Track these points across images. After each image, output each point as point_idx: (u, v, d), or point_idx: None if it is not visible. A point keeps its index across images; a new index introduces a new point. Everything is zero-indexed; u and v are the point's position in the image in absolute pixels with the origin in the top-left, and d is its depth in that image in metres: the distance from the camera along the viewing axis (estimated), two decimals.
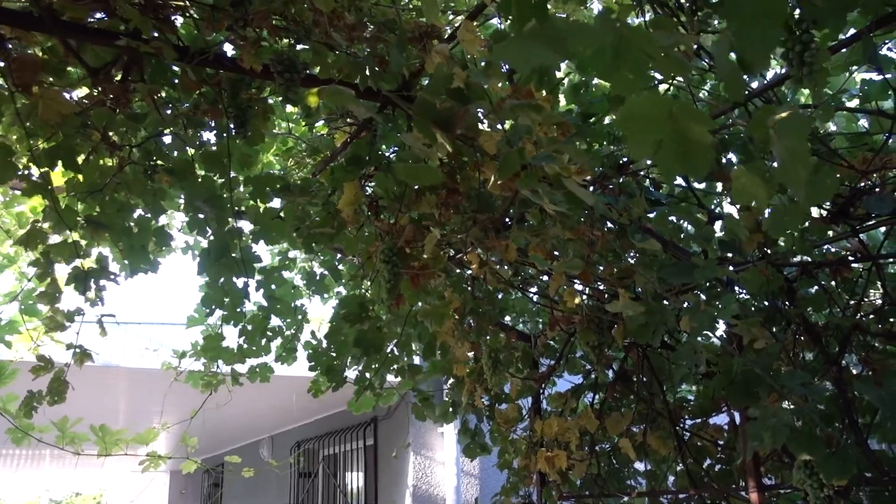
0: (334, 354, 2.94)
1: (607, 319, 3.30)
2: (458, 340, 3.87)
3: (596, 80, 2.83)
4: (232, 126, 2.52)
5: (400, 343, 3.52)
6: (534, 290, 4.20)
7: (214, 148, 2.65)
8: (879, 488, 2.65)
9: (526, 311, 4.51)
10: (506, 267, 3.88)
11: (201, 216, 2.65)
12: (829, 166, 1.62)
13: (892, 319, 2.90)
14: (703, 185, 3.24)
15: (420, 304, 3.37)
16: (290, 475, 9.11)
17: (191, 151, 2.68)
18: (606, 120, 2.82)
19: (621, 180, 2.84)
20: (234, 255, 2.65)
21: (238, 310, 2.68)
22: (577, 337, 3.22)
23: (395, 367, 3.64)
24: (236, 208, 2.78)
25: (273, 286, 2.78)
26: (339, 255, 3.64)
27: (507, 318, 4.69)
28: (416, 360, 4.83)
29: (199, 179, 2.66)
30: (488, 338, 3.45)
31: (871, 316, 2.94)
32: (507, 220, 3.14)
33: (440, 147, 2.38)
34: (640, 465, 4.64)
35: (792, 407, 2.54)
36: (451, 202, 2.86)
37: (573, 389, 3.99)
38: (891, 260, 3.18)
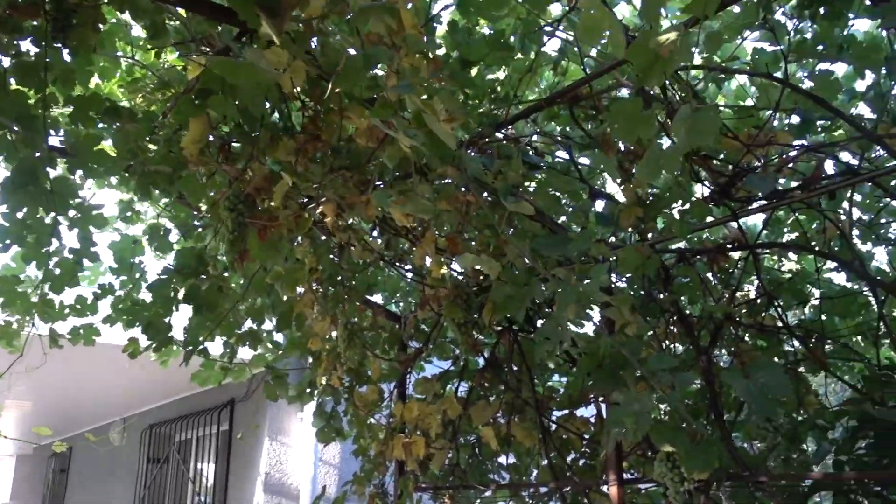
0: (161, 311, 2.56)
1: (477, 301, 3.08)
2: (317, 313, 3.56)
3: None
4: (52, 32, 2.11)
5: (249, 311, 3.17)
6: (408, 267, 3.93)
7: (32, 58, 2.24)
8: (739, 485, 2.54)
9: (398, 290, 4.24)
10: (377, 239, 3.59)
11: (10, 137, 2.23)
12: (712, 108, 1.44)
13: (763, 313, 2.82)
14: (587, 161, 3.07)
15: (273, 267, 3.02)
16: (140, 460, 8.46)
17: (5, 63, 2.25)
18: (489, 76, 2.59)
19: (500, 142, 2.62)
20: (44, 185, 2.24)
21: (44, 250, 2.25)
22: (444, 313, 2.97)
23: (245, 337, 3.28)
24: (53, 132, 2.36)
25: (91, 227, 2.37)
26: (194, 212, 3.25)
27: (379, 298, 4.40)
28: (279, 337, 4.49)
29: (9, 94, 2.24)
30: (345, 307, 3.16)
31: (744, 308, 2.85)
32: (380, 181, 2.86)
33: (295, 72, 2.07)
34: (505, 459, 4.46)
35: (658, 394, 2.38)
36: (310, 149, 2.54)
37: (440, 375, 3.75)
38: (767, 251, 3.12)
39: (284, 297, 3.44)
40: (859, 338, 2.92)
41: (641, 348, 2.55)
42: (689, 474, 2.51)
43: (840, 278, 3.07)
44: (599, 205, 3.03)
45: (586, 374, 2.53)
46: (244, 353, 3.89)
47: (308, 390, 3.87)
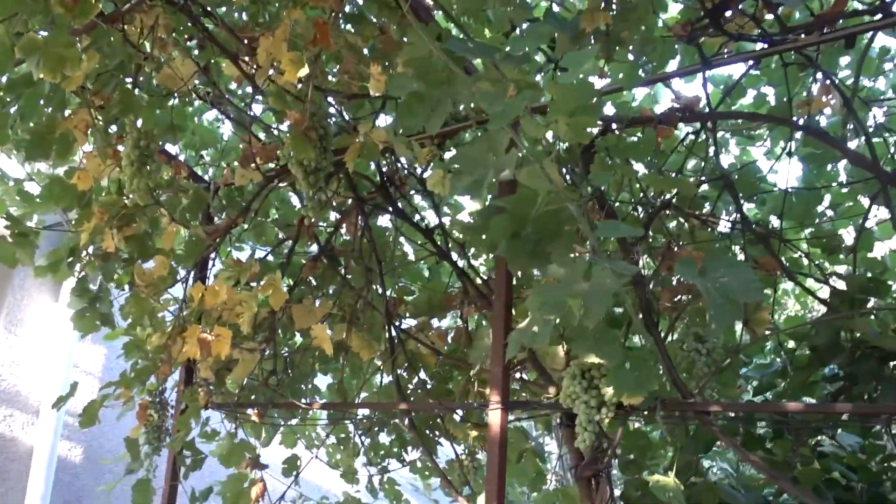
0: None
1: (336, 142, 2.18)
2: (93, 146, 2.46)
3: None
4: None
5: None
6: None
7: None
8: (676, 415, 1.90)
9: (211, 143, 3.20)
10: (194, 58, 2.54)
11: None
12: None
13: (707, 203, 2.20)
14: None
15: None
16: None
17: None
18: None
19: None
20: None
21: None
22: (288, 149, 2.04)
23: None
24: None
25: None
26: None
27: (182, 157, 3.33)
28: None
29: None
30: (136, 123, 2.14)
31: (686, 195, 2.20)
32: None
33: None
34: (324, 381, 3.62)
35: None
36: None
37: (259, 260, 2.82)
38: (730, 121, 2.50)
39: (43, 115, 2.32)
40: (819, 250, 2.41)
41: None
42: (614, 398, 1.83)
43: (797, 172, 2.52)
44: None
45: (503, 240, 1.74)
46: None
47: (69, 260, 2.75)
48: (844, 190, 2.42)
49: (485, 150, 1.53)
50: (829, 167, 2.35)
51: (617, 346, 1.80)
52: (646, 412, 1.89)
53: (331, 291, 3.01)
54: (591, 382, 1.92)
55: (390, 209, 2.75)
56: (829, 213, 2.47)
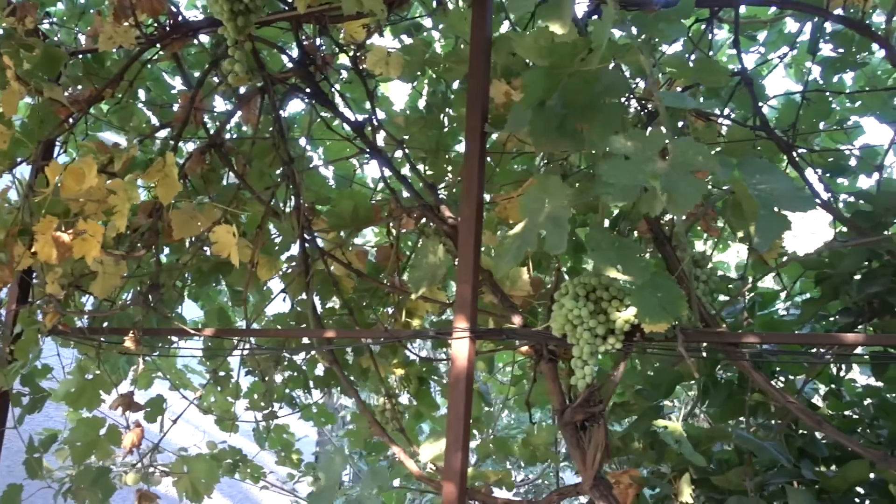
0: None
1: None
2: None
3: None
4: None
5: None
6: None
7: None
8: (698, 346, 1.58)
9: None
10: None
11: None
12: None
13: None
14: None
15: None
16: None
17: None
18: None
19: None
20: None
21: None
22: None
23: None
24: None
25: None
26: None
27: None
28: None
29: None
30: None
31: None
32: None
33: None
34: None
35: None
36: None
37: (139, 142, 2.19)
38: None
39: None
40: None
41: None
42: (644, 324, 1.47)
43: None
44: None
45: (536, 105, 1.30)
46: None
47: None
48: (857, 103, 2.21)
49: None
50: (834, 78, 2.12)
51: (643, 261, 1.44)
52: (656, 343, 1.55)
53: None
54: (597, 305, 1.55)
55: (307, 93, 2.21)
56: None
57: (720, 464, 1.94)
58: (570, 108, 1.34)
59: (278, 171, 2.50)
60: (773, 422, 1.92)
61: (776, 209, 1.46)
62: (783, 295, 2.16)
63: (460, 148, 2.44)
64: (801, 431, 1.90)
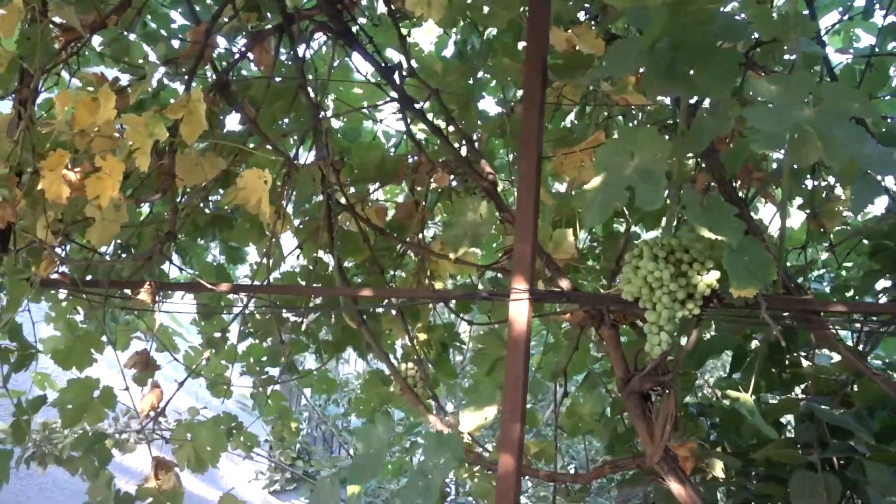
0: None
1: None
2: None
3: None
4: None
5: None
6: None
7: None
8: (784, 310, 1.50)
9: None
10: None
11: None
12: None
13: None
14: None
15: None
16: None
17: None
18: None
19: None
20: None
21: None
22: None
23: None
24: None
25: None
26: None
27: None
28: None
29: None
30: None
31: None
32: None
33: None
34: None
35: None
36: None
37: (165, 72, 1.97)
38: None
39: None
40: None
41: None
42: (733, 288, 1.38)
43: None
44: None
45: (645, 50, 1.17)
46: None
47: None
48: None
49: None
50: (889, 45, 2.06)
51: (735, 222, 1.35)
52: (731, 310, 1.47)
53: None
54: (677, 268, 1.45)
55: (333, 32, 2.04)
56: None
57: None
58: (681, 50, 1.23)
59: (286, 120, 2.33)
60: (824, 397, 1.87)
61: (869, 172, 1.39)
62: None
63: (485, 104, 2.30)
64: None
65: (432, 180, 2.03)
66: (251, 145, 2.22)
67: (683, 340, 1.64)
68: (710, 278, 1.42)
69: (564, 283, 1.75)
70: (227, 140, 2.22)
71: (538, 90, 1.64)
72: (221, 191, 2.39)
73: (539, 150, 1.63)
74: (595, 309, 1.67)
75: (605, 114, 1.82)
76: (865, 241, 1.96)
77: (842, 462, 1.68)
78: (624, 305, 1.55)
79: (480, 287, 2.17)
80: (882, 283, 1.78)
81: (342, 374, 6.81)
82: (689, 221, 1.32)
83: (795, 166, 1.82)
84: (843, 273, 2.44)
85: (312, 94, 2.02)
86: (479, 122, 2.19)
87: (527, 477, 1.76)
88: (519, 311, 1.56)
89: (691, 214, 1.33)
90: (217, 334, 2.41)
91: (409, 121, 2.13)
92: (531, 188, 1.60)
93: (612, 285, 1.93)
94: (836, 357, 2.23)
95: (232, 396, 2.52)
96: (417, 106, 2.09)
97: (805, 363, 2.09)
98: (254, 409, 2.50)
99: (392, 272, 2.29)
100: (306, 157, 2.26)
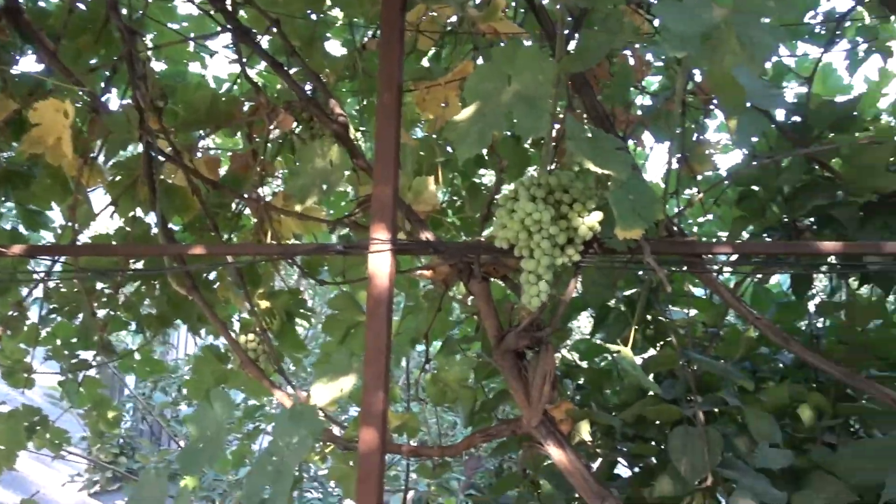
0: None
1: None
2: None
3: None
4: None
5: None
6: None
7: None
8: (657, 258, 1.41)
9: None
10: None
11: None
12: None
13: None
14: None
15: None
16: None
17: None
18: None
19: None
20: None
21: None
22: None
23: None
24: None
25: None
26: None
27: None
28: None
29: None
30: None
31: None
32: None
33: None
34: None
35: None
36: None
37: None
38: None
39: None
40: None
41: None
42: (618, 229, 1.25)
43: None
44: None
45: None
46: None
47: None
48: None
49: None
50: None
51: (622, 155, 1.23)
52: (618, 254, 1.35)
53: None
54: (558, 210, 1.31)
55: None
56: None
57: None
58: None
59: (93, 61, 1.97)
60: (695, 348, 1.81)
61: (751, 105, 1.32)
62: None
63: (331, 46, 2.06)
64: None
65: (273, 126, 1.77)
66: (50, 88, 1.86)
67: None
68: (591, 220, 1.29)
69: (428, 236, 1.57)
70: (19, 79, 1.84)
71: (398, 15, 1.44)
72: (15, 144, 2.00)
73: (400, 79, 1.43)
74: (463, 262, 1.50)
75: (472, 45, 1.65)
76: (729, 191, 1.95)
77: (713, 415, 1.63)
78: (497, 255, 1.40)
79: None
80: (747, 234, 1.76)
81: (171, 359, 6.29)
82: (574, 154, 1.18)
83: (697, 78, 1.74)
84: (704, 222, 2.46)
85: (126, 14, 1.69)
86: (325, 62, 1.94)
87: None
88: (380, 264, 1.36)
89: (577, 146, 1.18)
90: (12, 312, 2.02)
91: (244, 58, 1.85)
92: (392, 122, 1.40)
93: (481, 236, 1.77)
94: (693, 312, 2.23)
95: (34, 386, 2.14)
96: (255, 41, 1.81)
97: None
98: (62, 399, 2.12)
99: (227, 235, 2.00)
100: (120, 102, 1.92)
